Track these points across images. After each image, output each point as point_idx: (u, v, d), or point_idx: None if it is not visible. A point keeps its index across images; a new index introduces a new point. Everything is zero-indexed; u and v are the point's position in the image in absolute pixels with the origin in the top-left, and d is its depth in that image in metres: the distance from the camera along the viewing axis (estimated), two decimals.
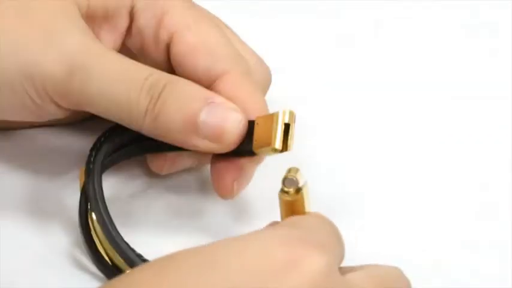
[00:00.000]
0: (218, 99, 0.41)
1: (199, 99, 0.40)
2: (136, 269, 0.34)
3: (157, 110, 0.40)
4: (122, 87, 0.40)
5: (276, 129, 0.40)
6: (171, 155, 0.43)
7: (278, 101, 0.45)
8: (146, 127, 0.40)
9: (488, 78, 0.52)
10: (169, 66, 0.43)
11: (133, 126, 0.41)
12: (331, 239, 0.36)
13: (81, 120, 0.46)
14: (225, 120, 0.40)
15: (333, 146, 0.48)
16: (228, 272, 0.32)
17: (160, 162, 0.44)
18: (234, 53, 0.43)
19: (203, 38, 0.42)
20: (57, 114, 0.42)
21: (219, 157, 0.42)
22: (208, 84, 0.42)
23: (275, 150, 0.40)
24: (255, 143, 0.41)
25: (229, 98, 0.41)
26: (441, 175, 0.47)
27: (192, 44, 0.42)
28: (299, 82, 0.51)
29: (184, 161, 0.44)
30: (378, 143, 0.48)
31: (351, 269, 0.36)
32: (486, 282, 0.42)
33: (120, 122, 0.41)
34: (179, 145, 0.41)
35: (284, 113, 0.40)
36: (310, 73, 0.52)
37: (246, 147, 0.41)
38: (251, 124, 0.41)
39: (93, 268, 0.41)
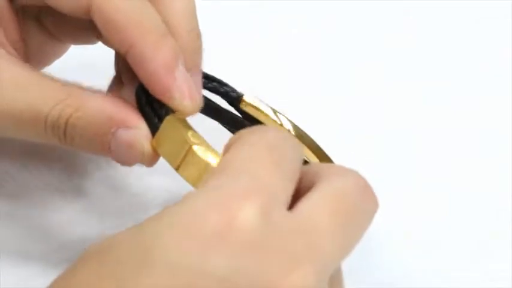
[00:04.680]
0: (122, 127, 0.38)
1: (101, 131, 0.38)
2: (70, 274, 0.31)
3: (70, 145, 0.38)
4: (25, 128, 0.38)
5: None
6: None
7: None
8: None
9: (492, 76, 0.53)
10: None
11: None
12: (265, 170, 0.31)
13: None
14: (134, 152, 0.38)
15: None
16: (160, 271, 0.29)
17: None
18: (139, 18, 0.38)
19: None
20: None
21: None
22: (125, 52, 0.38)
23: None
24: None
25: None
26: (443, 177, 0.47)
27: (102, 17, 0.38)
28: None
29: None
30: (374, 149, 0.48)
31: (307, 187, 0.32)
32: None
33: None
34: None
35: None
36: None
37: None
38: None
39: None
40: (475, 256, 0.43)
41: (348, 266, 0.39)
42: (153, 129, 0.38)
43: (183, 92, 0.38)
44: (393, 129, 0.49)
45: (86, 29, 0.42)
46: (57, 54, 0.44)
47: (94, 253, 0.31)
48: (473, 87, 0.52)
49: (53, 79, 0.39)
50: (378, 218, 0.44)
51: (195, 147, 0.36)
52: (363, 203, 0.33)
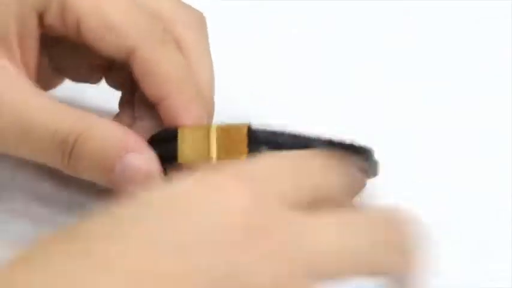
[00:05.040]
0: (132, 152, 0.39)
1: (110, 155, 0.39)
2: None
3: (73, 165, 0.39)
4: (31, 143, 0.39)
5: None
6: None
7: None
8: (69, 173, 0.40)
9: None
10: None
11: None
12: (279, 175, 0.31)
13: None
14: (141, 176, 0.39)
15: None
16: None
17: None
18: (143, 25, 0.41)
19: (106, 17, 0.40)
20: None
21: None
22: (123, 61, 0.41)
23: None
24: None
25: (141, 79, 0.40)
26: (443, 177, 0.47)
27: (95, 26, 0.40)
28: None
29: None
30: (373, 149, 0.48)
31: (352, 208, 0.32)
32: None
33: None
34: None
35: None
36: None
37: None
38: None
39: None
40: (475, 256, 0.43)
41: None
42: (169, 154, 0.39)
43: None
44: (393, 129, 0.49)
45: (93, 69, 0.44)
46: (54, 86, 0.45)
47: (64, 229, 0.30)
48: (473, 87, 0.52)
49: (61, 103, 0.40)
50: None
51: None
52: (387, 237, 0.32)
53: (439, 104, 0.51)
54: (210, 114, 0.42)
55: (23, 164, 0.44)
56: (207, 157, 0.39)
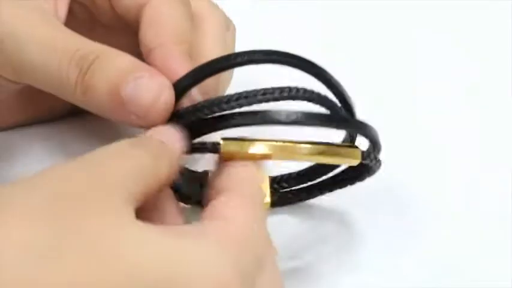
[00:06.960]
0: (147, 73, 0.39)
1: (125, 72, 0.38)
2: None
3: (86, 83, 0.39)
4: (52, 57, 0.39)
5: None
6: None
7: None
8: (78, 100, 0.39)
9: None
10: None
11: (66, 98, 0.40)
12: (257, 260, 0.33)
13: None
14: (151, 97, 0.38)
15: None
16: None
17: None
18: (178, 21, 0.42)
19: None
20: (8, 86, 0.41)
21: None
22: (132, 19, 0.43)
23: None
24: None
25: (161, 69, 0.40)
26: (443, 176, 0.47)
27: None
28: None
29: None
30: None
31: None
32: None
33: (56, 94, 0.40)
34: (112, 119, 0.40)
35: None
36: None
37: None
38: None
39: None
40: (475, 256, 0.43)
41: (347, 267, 0.40)
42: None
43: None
44: (393, 129, 0.49)
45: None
46: None
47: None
48: (472, 87, 0.52)
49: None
50: (377, 218, 0.44)
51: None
52: None
53: (437, 104, 0.51)
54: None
55: None
56: None
